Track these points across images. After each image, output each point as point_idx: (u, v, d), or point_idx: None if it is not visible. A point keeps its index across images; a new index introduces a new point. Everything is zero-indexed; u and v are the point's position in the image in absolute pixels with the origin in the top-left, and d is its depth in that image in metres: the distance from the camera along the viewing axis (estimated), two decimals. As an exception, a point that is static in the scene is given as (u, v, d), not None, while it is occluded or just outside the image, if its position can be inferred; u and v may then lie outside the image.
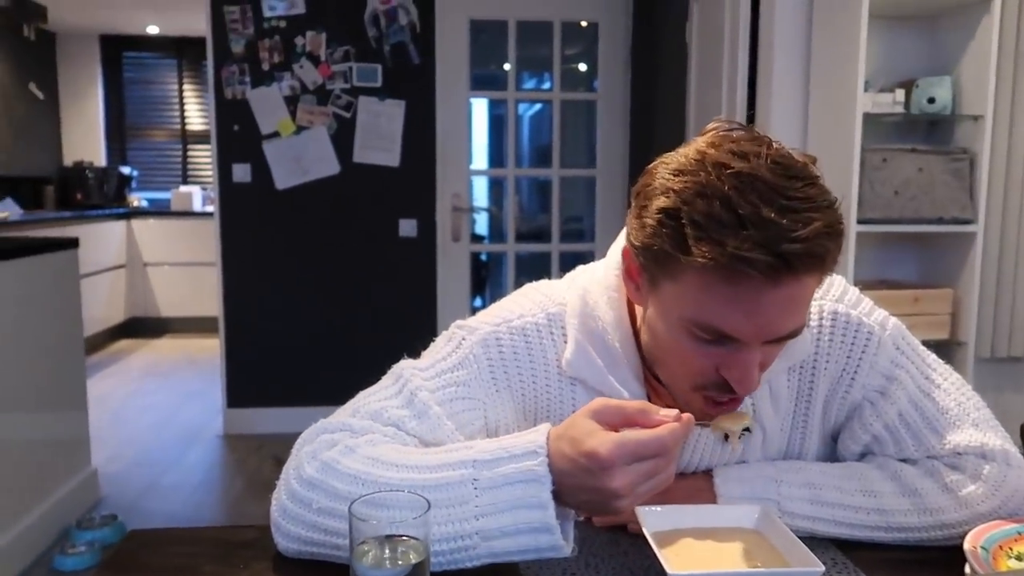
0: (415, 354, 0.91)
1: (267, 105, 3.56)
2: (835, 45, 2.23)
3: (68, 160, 6.30)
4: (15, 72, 5.76)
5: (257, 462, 3.26)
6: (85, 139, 6.44)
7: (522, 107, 4.41)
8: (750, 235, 0.67)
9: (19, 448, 2.43)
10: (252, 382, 3.68)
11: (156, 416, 3.96)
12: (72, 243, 2.81)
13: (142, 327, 5.96)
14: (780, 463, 0.89)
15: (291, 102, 3.57)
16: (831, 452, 0.93)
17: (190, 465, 3.14)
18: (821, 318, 0.88)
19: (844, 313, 0.88)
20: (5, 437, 2.36)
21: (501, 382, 0.87)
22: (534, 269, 3.84)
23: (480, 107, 4.23)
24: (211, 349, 3.96)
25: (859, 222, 2.16)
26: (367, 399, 0.86)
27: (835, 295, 0.89)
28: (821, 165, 0.74)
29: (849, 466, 0.89)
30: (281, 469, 0.82)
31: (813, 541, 0.76)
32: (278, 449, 2.88)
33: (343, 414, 0.85)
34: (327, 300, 3.68)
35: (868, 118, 2.15)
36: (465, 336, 0.88)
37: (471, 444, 0.76)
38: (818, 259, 0.70)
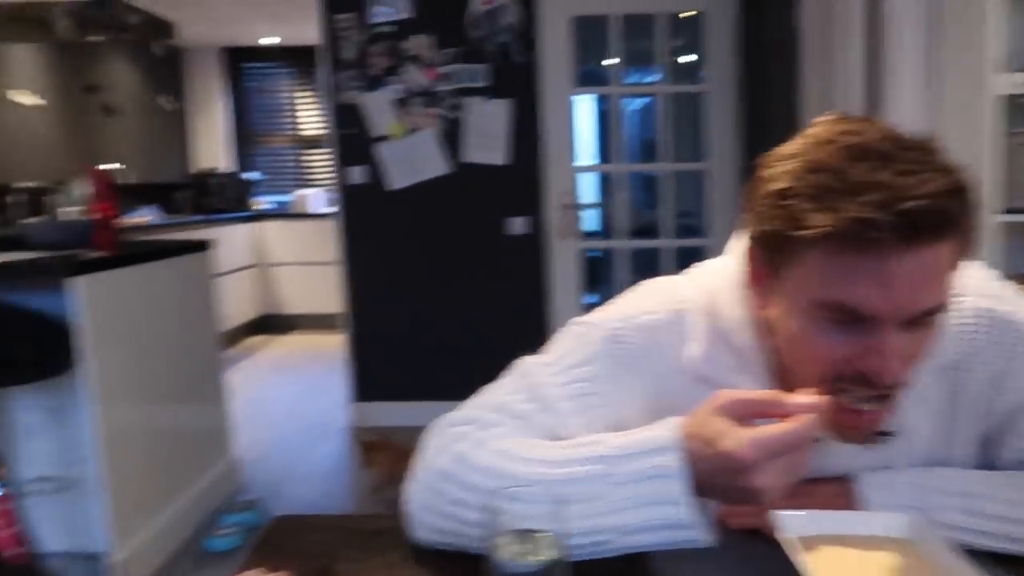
0: (530, 351, 0.91)
1: (378, 109, 3.67)
2: (964, 22, 2.11)
3: (197, 167, 6.70)
4: (146, 86, 6.21)
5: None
6: (212, 147, 6.84)
7: (628, 101, 4.37)
8: (868, 199, 0.64)
9: (169, 437, 2.63)
10: (375, 377, 3.81)
11: (287, 408, 4.17)
12: (207, 245, 3.00)
13: (271, 324, 6.27)
14: (932, 469, 0.82)
15: (400, 105, 3.67)
16: (983, 460, 0.86)
17: (321, 455, 3.29)
18: (976, 316, 0.81)
19: (999, 311, 0.81)
20: (157, 427, 2.56)
21: (626, 379, 0.85)
22: (646, 265, 3.80)
23: (586, 103, 4.23)
24: (335, 345, 4.15)
25: (1005, 211, 2.00)
26: (492, 394, 0.87)
27: (987, 291, 0.82)
28: (952, 152, 0.70)
29: (1012, 475, 0.81)
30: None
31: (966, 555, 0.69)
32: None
33: (469, 408, 0.86)
34: (441, 298, 3.77)
35: (1006, 100, 2.01)
36: (588, 332, 0.87)
37: (599, 439, 0.76)
38: (945, 220, 0.65)
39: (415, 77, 3.65)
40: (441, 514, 0.79)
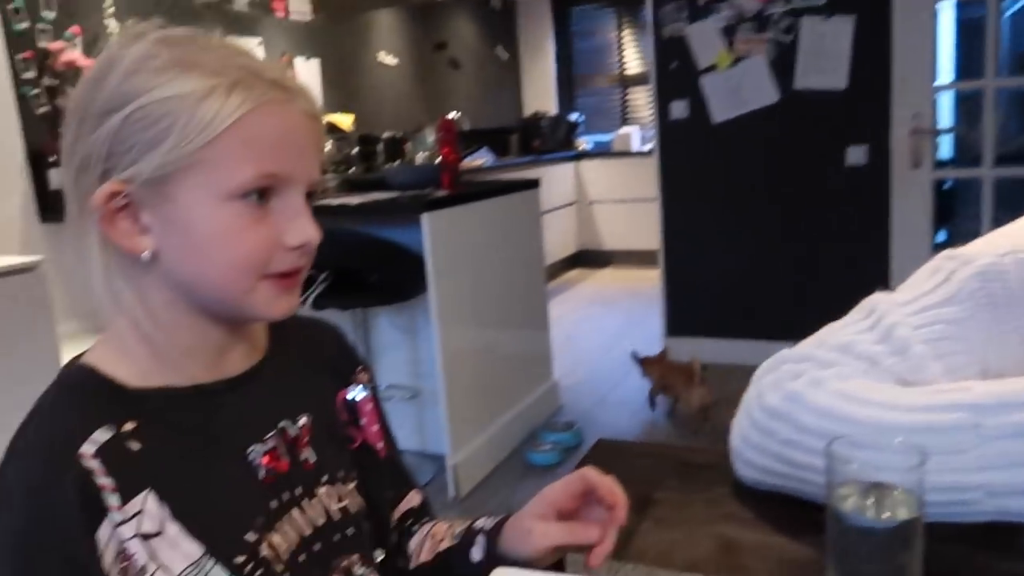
0: (868, 293, 0.82)
1: (704, 39, 3.54)
2: None
3: (527, 112, 7.12)
4: (484, 39, 6.70)
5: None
6: (540, 92, 7.22)
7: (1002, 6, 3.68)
8: None
9: (498, 358, 2.89)
10: (690, 312, 3.79)
11: (602, 339, 4.34)
12: (534, 184, 3.18)
13: (589, 258, 6.55)
14: None
15: (728, 33, 3.50)
16: None
17: (633, 386, 3.38)
18: None
19: None
20: (489, 348, 2.82)
21: (1005, 323, 0.73)
22: (1016, 198, 3.22)
23: (946, 12, 3.64)
24: (651, 280, 4.20)
25: None
26: (836, 333, 0.80)
27: None
28: None
29: None
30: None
31: None
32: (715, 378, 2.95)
33: (807, 345, 0.80)
34: (767, 233, 3.59)
35: None
36: (956, 268, 0.76)
37: (967, 385, 0.67)
38: None
39: (744, 2, 3.45)
40: (768, 454, 0.76)
